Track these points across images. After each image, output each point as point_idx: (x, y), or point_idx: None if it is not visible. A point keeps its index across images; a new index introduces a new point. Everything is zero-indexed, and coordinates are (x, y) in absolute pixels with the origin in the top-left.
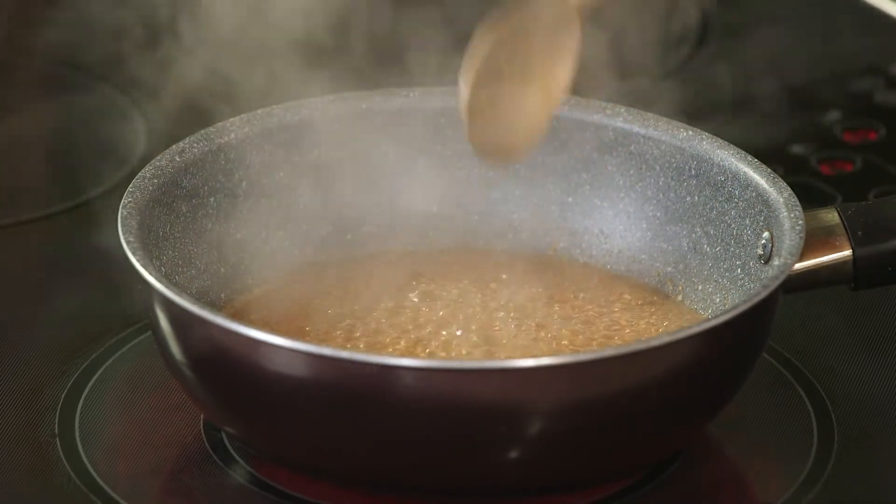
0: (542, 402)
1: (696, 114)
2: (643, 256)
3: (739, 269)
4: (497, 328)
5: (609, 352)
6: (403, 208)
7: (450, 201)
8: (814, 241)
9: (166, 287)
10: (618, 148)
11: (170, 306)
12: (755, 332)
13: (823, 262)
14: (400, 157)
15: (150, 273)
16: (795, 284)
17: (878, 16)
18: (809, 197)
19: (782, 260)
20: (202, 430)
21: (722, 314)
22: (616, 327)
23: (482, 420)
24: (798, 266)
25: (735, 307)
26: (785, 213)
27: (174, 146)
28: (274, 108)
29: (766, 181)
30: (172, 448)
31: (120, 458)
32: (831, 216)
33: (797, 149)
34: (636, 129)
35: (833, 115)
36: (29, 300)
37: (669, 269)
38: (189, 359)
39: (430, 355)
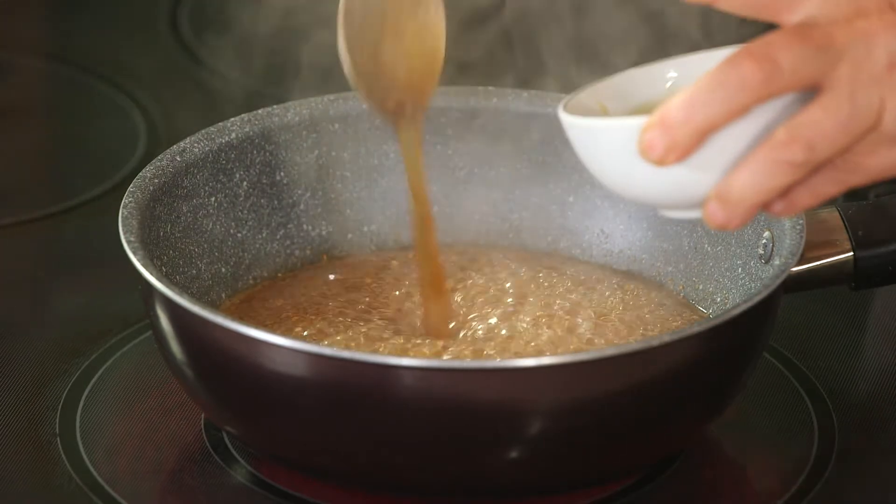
0: (542, 402)
1: None
2: (644, 256)
3: (740, 269)
4: (497, 328)
5: (609, 352)
6: (403, 208)
7: (450, 201)
8: (814, 240)
9: (166, 287)
10: None
11: (170, 306)
12: (756, 332)
13: (824, 262)
14: (400, 157)
15: (151, 273)
16: (796, 284)
17: None
18: None
19: (783, 259)
20: (203, 430)
21: (723, 314)
22: (616, 327)
23: (482, 420)
24: (799, 266)
25: (736, 307)
26: None
27: (174, 146)
28: (274, 108)
29: None
30: (173, 447)
31: (121, 458)
32: (832, 216)
33: None
34: None
35: None
36: (29, 300)
37: (670, 268)
38: (189, 358)
39: (429, 355)
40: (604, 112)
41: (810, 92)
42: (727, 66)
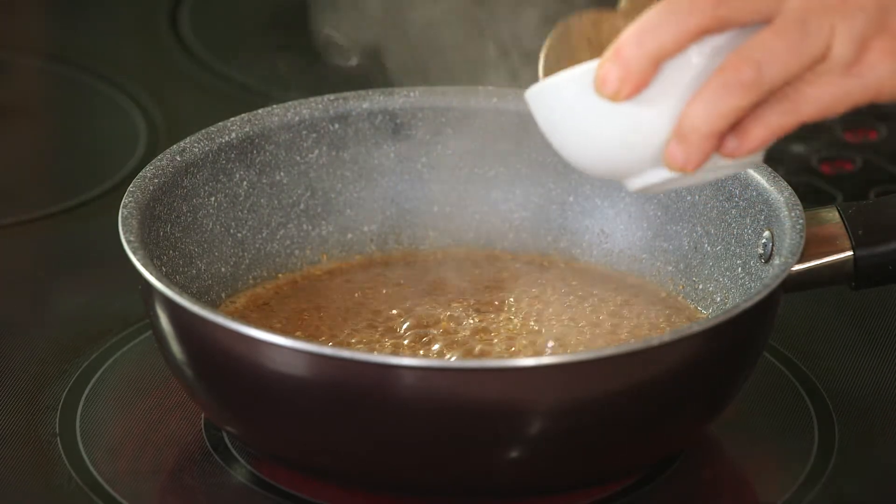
0: (542, 402)
1: None
2: (644, 256)
3: (740, 269)
4: (497, 328)
5: (609, 351)
6: (403, 208)
7: (450, 201)
8: (814, 240)
9: (166, 287)
10: None
11: (170, 306)
12: (756, 332)
13: (824, 262)
14: (400, 157)
15: (151, 273)
16: (796, 284)
17: None
18: (810, 196)
19: (783, 259)
20: (203, 430)
21: (723, 313)
22: (616, 327)
23: (482, 420)
24: (799, 265)
25: (736, 306)
26: (785, 213)
27: (174, 146)
28: (274, 108)
29: (767, 180)
30: (173, 447)
31: (121, 458)
32: (832, 215)
33: (798, 148)
34: None
35: None
36: (29, 300)
37: (670, 268)
38: (189, 358)
39: (429, 355)
40: None
41: (758, 27)
42: None
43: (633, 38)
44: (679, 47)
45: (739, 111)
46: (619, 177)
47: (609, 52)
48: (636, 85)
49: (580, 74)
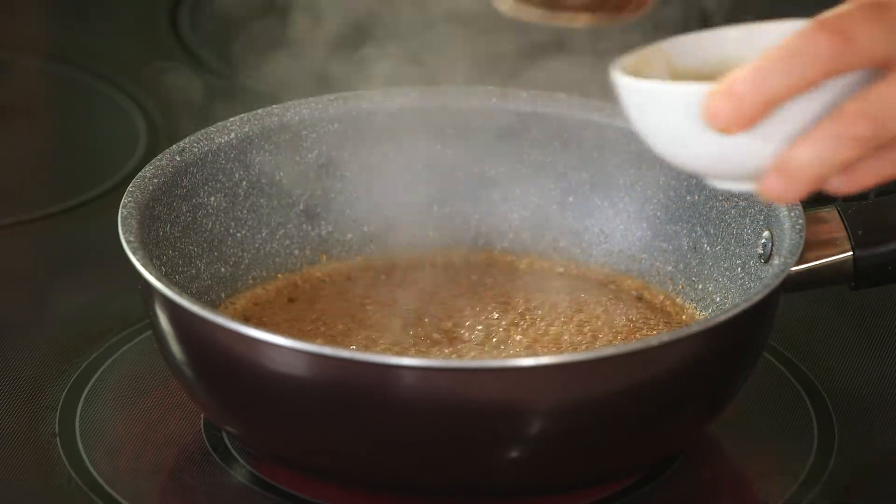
0: (542, 402)
1: None
2: (643, 256)
3: (740, 269)
4: (497, 328)
5: (609, 351)
6: (403, 208)
7: (450, 201)
8: (814, 240)
9: (166, 287)
10: (618, 147)
11: (170, 306)
12: (755, 332)
13: (824, 262)
14: (400, 157)
15: (150, 273)
16: (796, 284)
17: None
18: (810, 196)
19: (782, 259)
20: (202, 430)
21: (722, 313)
22: (616, 327)
23: (482, 420)
24: (798, 265)
25: (735, 306)
26: (785, 213)
27: (174, 146)
28: (274, 108)
29: None
30: (173, 447)
31: (120, 458)
32: (832, 215)
33: None
34: None
35: None
36: (29, 300)
37: (669, 268)
38: (189, 358)
39: (430, 355)
40: (668, 66)
41: (877, 70)
42: (801, 38)
43: (750, 77)
44: (796, 93)
45: (850, 162)
46: (701, 177)
47: (723, 86)
48: (746, 124)
49: (688, 95)
